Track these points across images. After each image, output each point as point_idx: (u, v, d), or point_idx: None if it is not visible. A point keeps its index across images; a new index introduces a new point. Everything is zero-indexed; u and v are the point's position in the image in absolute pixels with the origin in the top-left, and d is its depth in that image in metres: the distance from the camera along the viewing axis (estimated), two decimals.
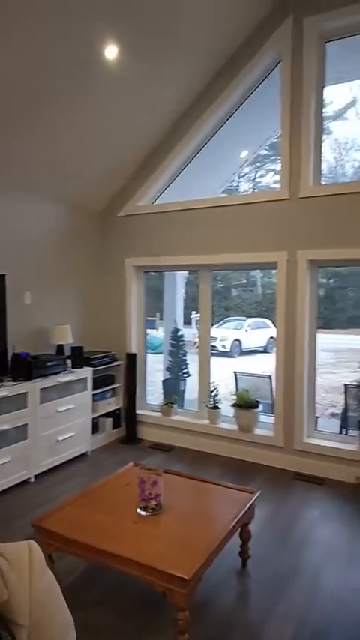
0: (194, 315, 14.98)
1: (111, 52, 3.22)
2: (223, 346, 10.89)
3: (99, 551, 1.97)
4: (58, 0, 2.68)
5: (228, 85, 3.97)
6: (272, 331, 4.24)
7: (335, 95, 6.91)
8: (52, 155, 3.79)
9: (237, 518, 2.21)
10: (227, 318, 11.80)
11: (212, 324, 4.64)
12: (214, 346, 11.52)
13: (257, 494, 2.48)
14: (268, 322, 10.26)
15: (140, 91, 3.68)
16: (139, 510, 2.27)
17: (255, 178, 9.67)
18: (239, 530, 2.43)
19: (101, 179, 4.41)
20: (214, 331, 13.11)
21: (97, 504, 2.39)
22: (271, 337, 8.17)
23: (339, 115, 7.99)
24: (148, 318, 7.57)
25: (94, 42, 3.11)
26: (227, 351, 10.82)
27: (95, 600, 2.22)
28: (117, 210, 4.66)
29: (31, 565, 0.62)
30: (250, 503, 2.38)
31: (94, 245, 4.76)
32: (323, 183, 3.82)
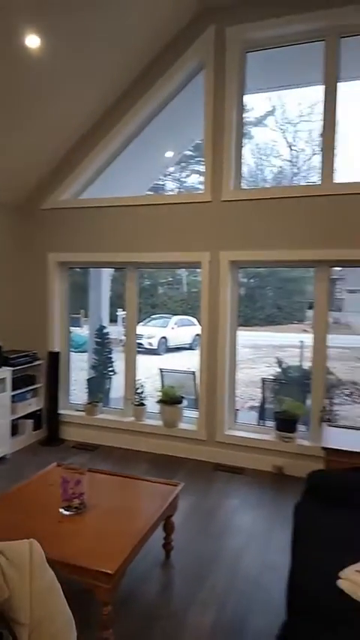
0: (120, 313, 14.93)
1: (32, 41, 3.11)
2: (150, 344, 10.96)
3: None
4: None
5: (153, 85, 4.01)
6: (197, 329, 4.38)
7: (256, 103, 7.25)
8: None
9: (160, 512, 2.27)
10: (154, 316, 11.89)
11: (139, 322, 4.67)
12: (141, 344, 11.55)
13: (180, 487, 2.56)
14: (194, 320, 10.51)
15: (64, 82, 3.59)
16: (62, 510, 2.24)
17: (180, 178, 9.83)
18: (163, 522, 2.50)
19: (21, 170, 4.23)
20: (141, 329, 13.14)
21: (18, 507, 2.31)
22: (197, 334, 8.40)
23: (259, 122, 8.40)
24: (73, 316, 7.38)
25: (15, 30, 2.98)
26: (154, 349, 10.91)
27: None
28: (39, 203, 4.50)
29: (32, 564, 0.63)
30: (173, 495, 2.45)
31: (13, 239, 4.55)
32: (244, 187, 4.00)
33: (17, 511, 2.26)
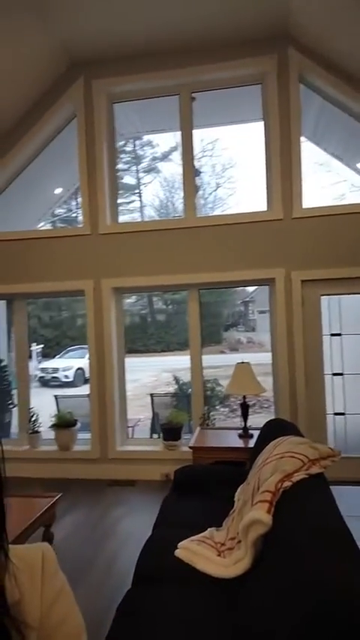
0: (34, 347, 14.53)
1: None
2: (66, 376, 10.86)
3: None
4: None
5: (29, 130, 4.32)
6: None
7: (162, 140, 7.66)
8: None
9: (31, 521, 2.44)
10: (70, 347, 11.84)
11: (54, 355, 4.78)
12: (56, 377, 11.37)
13: (56, 498, 2.75)
14: None
15: None
16: None
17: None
18: (43, 533, 2.67)
19: None
20: (57, 362, 12.83)
21: None
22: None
23: (165, 157, 9.01)
24: None
25: None
26: (70, 381, 10.81)
27: None
28: None
29: (43, 568, 0.63)
30: (47, 506, 2.63)
31: None
32: (126, 221, 4.40)
33: None
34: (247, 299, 14.14)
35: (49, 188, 5.81)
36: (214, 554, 1.95)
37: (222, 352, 11.72)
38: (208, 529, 2.16)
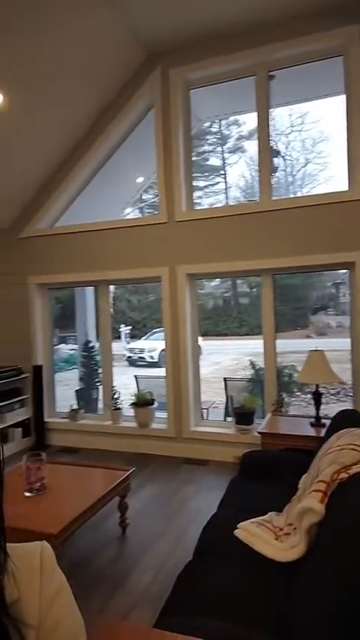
0: (123, 329, 15.35)
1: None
2: (151, 357, 11.39)
3: None
4: None
5: (110, 124, 4.53)
6: (200, 339, 4.67)
7: (248, 118, 7.53)
8: None
9: (106, 490, 2.68)
10: (155, 330, 12.35)
11: (141, 337, 5.09)
12: (143, 357, 11.99)
13: (130, 471, 2.97)
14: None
15: (32, 130, 4.12)
16: (26, 493, 2.66)
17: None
18: (119, 503, 2.91)
19: (0, 204, 4.77)
20: (143, 343, 13.52)
21: None
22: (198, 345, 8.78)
23: (251, 135, 8.83)
24: (64, 335, 7.88)
25: None
26: (155, 361, 11.32)
27: None
28: (17, 233, 5.02)
29: (42, 567, 0.63)
30: (122, 477, 2.86)
31: None
32: (198, 208, 4.47)
33: None
34: (339, 280, 13.44)
35: (131, 177, 6.04)
36: (271, 538, 2.00)
37: (308, 337, 11.35)
38: (269, 513, 2.21)
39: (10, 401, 4.76)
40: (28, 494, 2.65)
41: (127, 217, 5.78)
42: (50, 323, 5.23)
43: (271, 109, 4.12)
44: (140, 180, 6.15)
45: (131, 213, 6.63)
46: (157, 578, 2.49)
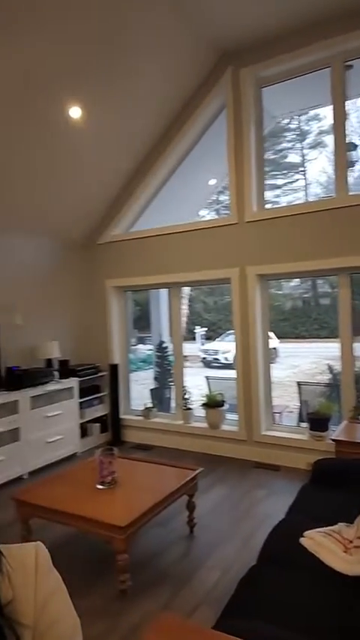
0: (198, 330, 15.45)
1: (75, 112, 3.89)
2: (226, 358, 11.39)
3: (61, 513, 2.52)
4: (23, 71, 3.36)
5: (182, 128, 4.62)
6: (275, 341, 4.59)
7: (329, 112, 7.29)
8: (39, 199, 4.44)
9: (174, 488, 2.73)
10: (229, 331, 12.34)
11: (215, 338, 5.15)
12: (217, 359, 12.04)
13: (198, 471, 2.99)
14: (271, 333, 10.77)
15: (107, 140, 4.33)
16: (98, 485, 2.81)
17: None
18: (187, 502, 2.96)
19: (81, 214, 5.06)
20: (217, 344, 13.58)
21: (66, 482, 2.93)
22: (273, 348, 8.57)
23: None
24: (142, 335, 8.13)
25: (60, 103, 3.77)
26: (230, 363, 11.32)
27: (66, 559, 2.75)
28: (95, 239, 5.30)
29: (37, 567, 0.63)
30: (190, 477, 2.89)
31: (79, 271, 5.39)
32: (270, 207, 4.39)
33: (64, 485, 2.89)
34: None
35: (204, 179, 6.09)
36: (339, 549, 1.91)
37: None
38: (338, 524, 2.11)
39: (90, 397, 5.03)
40: (100, 486, 2.79)
41: (198, 220, 5.83)
42: (126, 324, 5.44)
43: (352, 100, 3.91)
44: (213, 182, 6.17)
45: (207, 216, 6.69)
46: (221, 580, 2.49)
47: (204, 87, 4.48)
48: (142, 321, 9.05)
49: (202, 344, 13.17)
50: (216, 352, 11.86)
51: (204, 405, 4.61)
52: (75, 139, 4.11)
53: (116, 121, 4.23)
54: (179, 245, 4.73)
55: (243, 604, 1.73)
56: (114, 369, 5.15)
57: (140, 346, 10.11)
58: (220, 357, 11.63)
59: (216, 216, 6.50)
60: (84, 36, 3.38)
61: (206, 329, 14.12)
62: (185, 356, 6.14)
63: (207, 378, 5.57)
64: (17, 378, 4.18)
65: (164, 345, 6.51)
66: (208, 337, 13.61)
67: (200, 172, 5.77)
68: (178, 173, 5.11)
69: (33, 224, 4.71)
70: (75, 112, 3.90)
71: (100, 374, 5.17)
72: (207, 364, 11.80)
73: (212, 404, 4.56)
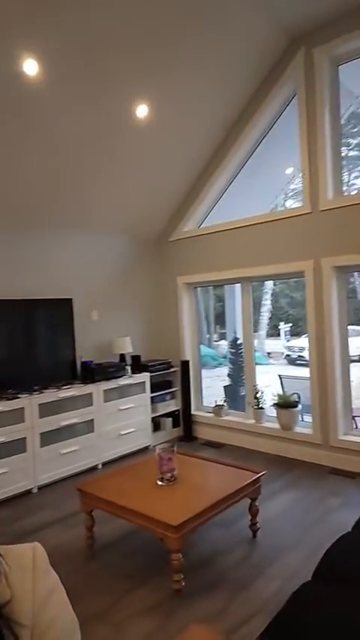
0: (283, 326, 14.99)
1: (142, 110, 3.93)
2: None
3: (118, 507, 2.57)
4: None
5: (251, 119, 4.45)
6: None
7: None
8: (115, 200, 4.59)
9: (232, 490, 2.64)
10: None
11: (301, 335, 4.96)
12: (302, 356, 11.59)
13: (261, 474, 2.86)
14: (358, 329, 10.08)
15: (175, 134, 4.32)
16: (157, 481, 2.82)
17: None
18: (249, 505, 2.85)
19: (154, 213, 5.13)
20: (302, 341, 13.13)
21: (129, 476, 2.99)
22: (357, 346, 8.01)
23: None
24: (224, 331, 8.01)
25: (130, 103, 3.84)
26: None
27: (125, 552, 2.81)
28: (167, 237, 5.34)
29: (34, 566, 0.64)
30: (251, 479, 2.78)
31: (150, 268, 5.48)
32: (346, 194, 4.06)
33: (125, 479, 2.94)
34: None
35: (281, 168, 5.83)
36: None
37: None
38: None
39: (162, 392, 5.10)
40: (160, 482, 2.80)
41: (267, 212, 5.59)
42: (195, 320, 5.41)
43: None
44: (290, 171, 5.88)
45: (283, 205, 6.40)
46: (281, 590, 2.35)
47: (274, 73, 4.26)
48: (222, 317, 8.97)
49: (287, 340, 12.71)
50: (301, 349, 11.39)
51: (275, 404, 4.42)
52: (144, 139, 4.15)
53: (185, 117, 4.19)
54: (249, 239, 4.58)
55: (289, 623, 1.60)
56: (185, 365, 5.15)
57: (222, 342, 10.02)
58: (306, 354, 11.15)
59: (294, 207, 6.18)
60: (152, 24, 3.33)
61: (291, 325, 13.59)
62: (269, 353, 5.93)
63: (280, 376, 5.34)
64: (91, 372, 4.37)
65: (239, 342, 6.38)
66: (295, 333, 13.09)
67: (276, 161, 5.53)
68: (251, 164, 4.94)
69: (108, 223, 4.88)
70: (142, 111, 3.93)
71: (171, 369, 5.21)
72: (291, 361, 11.35)
73: (284, 404, 4.36)
